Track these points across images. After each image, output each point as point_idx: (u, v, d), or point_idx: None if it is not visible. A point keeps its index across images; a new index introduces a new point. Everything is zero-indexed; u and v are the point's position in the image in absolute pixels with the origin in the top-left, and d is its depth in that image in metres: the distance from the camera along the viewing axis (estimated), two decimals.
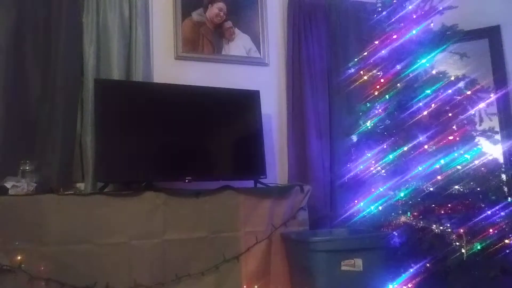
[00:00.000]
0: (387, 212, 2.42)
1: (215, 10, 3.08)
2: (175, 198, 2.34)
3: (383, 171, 2.51)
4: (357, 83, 2.80)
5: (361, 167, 2.61)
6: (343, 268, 2.17)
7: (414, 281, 2.19)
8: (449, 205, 2.34)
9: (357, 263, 2.18)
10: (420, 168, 2.37)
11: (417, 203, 2.33)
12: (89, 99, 2.58)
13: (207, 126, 2.65)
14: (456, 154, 2.38)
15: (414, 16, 2.67)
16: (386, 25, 2.71)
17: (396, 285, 2.22)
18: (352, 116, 2.85)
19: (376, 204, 2.48)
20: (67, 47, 2.61)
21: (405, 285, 2.21)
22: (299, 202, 2.63)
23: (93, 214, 2.17)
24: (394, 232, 2.31)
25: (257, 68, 3.18)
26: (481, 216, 2.25)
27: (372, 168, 2.56)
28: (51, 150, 2.51)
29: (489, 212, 2.26)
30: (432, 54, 2.58)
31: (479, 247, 2.15)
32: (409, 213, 2.34)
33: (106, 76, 2.66)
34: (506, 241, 2.20)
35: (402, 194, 2.37)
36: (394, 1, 2.72)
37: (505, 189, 2.44)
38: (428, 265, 2.19)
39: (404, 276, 2.21)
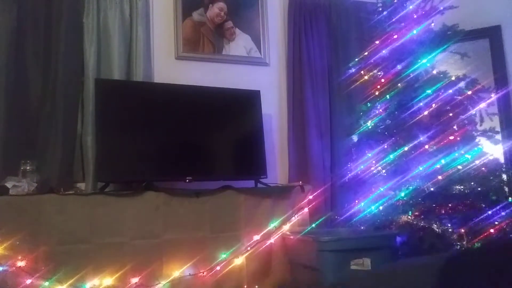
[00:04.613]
0: (387, 212, 2.42)
1: (216, 10, 3.08)
2: (175, 198, 2.35)
3: (383, 171, 2.51)
4: (357, 83, 2.80)
5: (362, 167, 2.60)
6: (352, 267, 2.17)
7: None
8: (450, 205, 2.33)
9: (366, 262, 2.19)
10: (420, 168, 2.37)
11: (418, 203, 2.33)
12: (89, 99, 2.59)
13: (207, 126, 2.65)
14: (456, 154, 2.38)
15: (415, 16, 2.67)
16: (387, 25, 2.71)
17: None
18: (353, 115, 2.85)
19: (376, 204, 2.48)
20: (68, 47, 2.61)
21: None
22: (300, 202, 2.63)
23: (93, 214, 2.18)
24: (400, 232, 2.30)
25: (258, 68, 3.18)
26: (482, 216, 2.25)
27: (372, 168, 2.55)
28: (52, 150, 2.51)
29: (489, 212, 2.26)
30: (433, 54, 2.58)
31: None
32: (410, 212, 2.34)
33: (107, 76, 2.66)
34: None
35: (402, 194, 2.37)
36: (395, 1, 2.72)
37: (506, 189, 2.43)
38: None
39: None
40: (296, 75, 3.17)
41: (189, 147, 2.58)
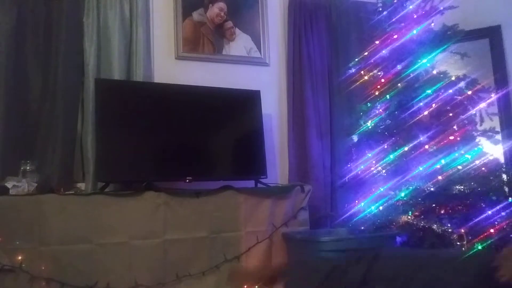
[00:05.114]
0: (387, 212, 2.42)
1: (216, 10, 3.08)
2: (175, 198, 2.34)
3: (383, 171, 2.51)
4: (357, 83, 2.80)
5: (362, 167, 2.60)
6: None
7: None
8: (450, 205, 2.33)
9: None
10: (420, 168, 2.37)
11: (418, 203, 2.33)
12: (89, 99, 2.59)
13: (207, 126, 2.65)
14: (456, 154, 2.38)
15: (415, 16, 2.67)
16: (387, 25, 2.71)
17: None
18: (353, 116, 2.85)
19: (376, 204, 2.48)
20: (68, 47, 2.61)
21: None
22: (300, 202, 2.63)
23: (93, 214, 2.17)
24: (400, 232, 2.30)
25: (258, 68, 3.18)
26: (482, 216, 2.24)
27: (372, 168, 2.55)
28: (52, 150, 2.51)
29: (489, 212, 2.26)
30: (433, 54, 2.58)
31: (479, 247, 2.14)
32: (410, 212, 2.34)
33: (107, 76, 2.66)
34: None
35: (402, 194, 2.37)
36: (395, 1, 2.72)
37: (506, 189, 2.43)
38: None
39: None
40: (296, 75, 3.17)
41: (189, 147, 2.58)
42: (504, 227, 2.22)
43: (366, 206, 2.53)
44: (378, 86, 2.68)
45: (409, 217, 2.32)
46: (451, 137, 2.43)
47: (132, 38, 2.76)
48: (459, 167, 2.35)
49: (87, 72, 2.62)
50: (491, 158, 2.46)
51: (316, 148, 3.09)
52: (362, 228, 2.49)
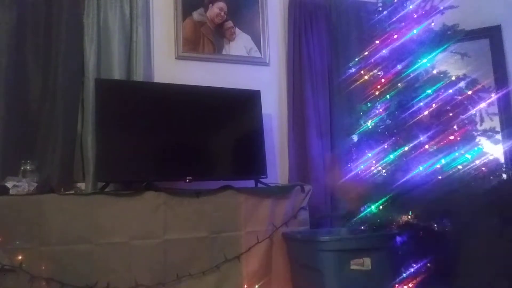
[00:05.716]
0: (387, 211, 2.42)
1: (216, 10, 3.08)
2: (175, 198, 2.34)
3: (383, 171, 2.51)
4: (357, 82, 2.79)
5: (362, 167, 2.60)
6: (352, 267, 2.17)
7: (415, 281, 2.19)
8: None
9: (366, 262, 2.19)
10: (420, 168, 2.37)
11: None
12: (89, 99, 2.59)
13: (207, 126, 2.65)
14: (457, 154, 2.38)
15: (415, 16, 2.67)
16: (387, 25, 2.70)
17: (397, 285, 2.22)
18: (353, 115, 2.84)
19: (376, 204, 2.48)
20: (68, 47, 2.61)
21: (406, 285, 2.21)
22: (300, 202, 2.63)
23: (93, 214, 2.18)
24: (400, 232, 2.30)
25: (258, 68, 3.18)
26: None
27: (372, 168, 2.55)
28: (52, 150, 2.52)
29: None
30: (433, 54, 2.58)
31: None
32: (410, 212, 2.34)
33: (107, 76, 2.66)
34: None
35: None
36: (395, 0, 2.72)
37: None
38: (429, 264, 2.19)
39: (406, 275, 2.21)
40: (296, 75, 3.17)
41: (189, 147, 2.58)
42: None
43: (366, 206, 2.53)
44: (378, 86, 2.67)
45: (409, 217, 2.32)
46: (451, 137, 2.42)
47: (132, 38, 2.76)
48: (459, 167, 2.35)
49: (87, 72, 2.62)
50: (491, 158, 2.46)
51: (316, 148, 3.09)
52: (362, 228, 2.50)
